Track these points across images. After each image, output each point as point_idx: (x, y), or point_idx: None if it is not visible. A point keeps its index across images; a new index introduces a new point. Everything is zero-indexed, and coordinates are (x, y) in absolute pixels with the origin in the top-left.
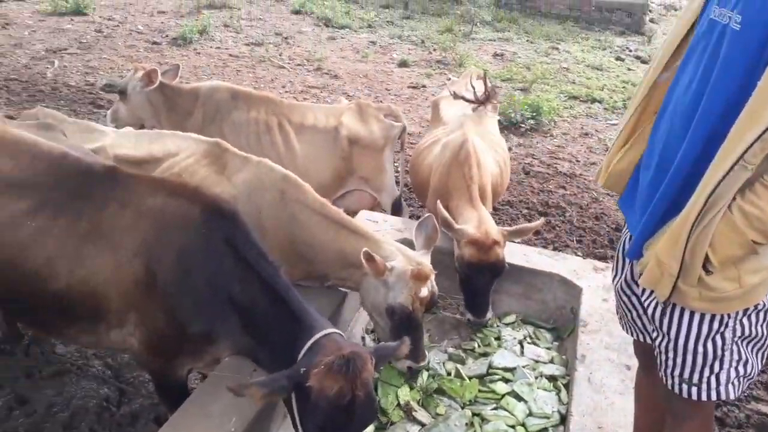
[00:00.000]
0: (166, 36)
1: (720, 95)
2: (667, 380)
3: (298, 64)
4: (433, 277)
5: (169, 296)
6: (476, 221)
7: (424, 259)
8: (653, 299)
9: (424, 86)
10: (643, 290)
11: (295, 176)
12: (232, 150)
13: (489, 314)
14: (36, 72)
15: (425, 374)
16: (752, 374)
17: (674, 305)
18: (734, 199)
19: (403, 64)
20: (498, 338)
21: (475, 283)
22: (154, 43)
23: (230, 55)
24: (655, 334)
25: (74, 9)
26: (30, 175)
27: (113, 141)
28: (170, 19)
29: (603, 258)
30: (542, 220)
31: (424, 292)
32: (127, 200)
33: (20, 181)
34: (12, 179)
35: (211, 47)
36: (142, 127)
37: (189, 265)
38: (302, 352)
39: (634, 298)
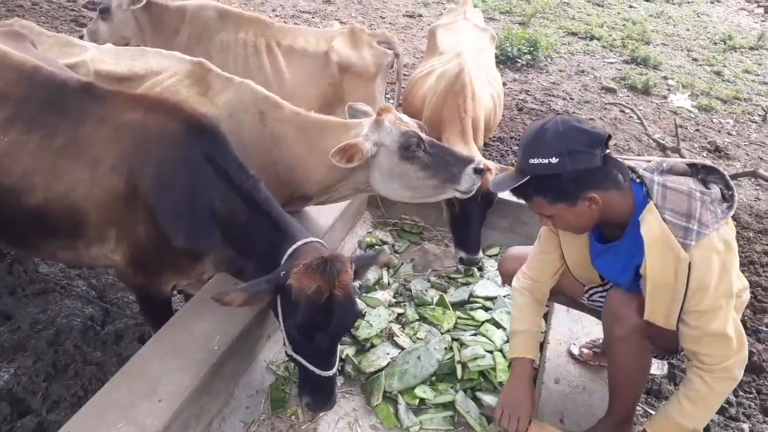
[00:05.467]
0: None
1: None
2: None
3: None
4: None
5: (149, 210)
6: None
7: None
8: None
9: (420, 15)
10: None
11: (276, 97)
12: (215, 70)
13: (481, 253)
14: None
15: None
16: None
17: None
18: None
19: None
20: (480, 269)
21: (470, 214)
22: None
23: None
24: None
25: None
26: None
27: (94, 56)
28: None
29: None
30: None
31: (406, 118)
32: (104, 115)
33: None
34: None
35: None
36: (126, 45)
37: (169, 179)
38: (284, 259)
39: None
